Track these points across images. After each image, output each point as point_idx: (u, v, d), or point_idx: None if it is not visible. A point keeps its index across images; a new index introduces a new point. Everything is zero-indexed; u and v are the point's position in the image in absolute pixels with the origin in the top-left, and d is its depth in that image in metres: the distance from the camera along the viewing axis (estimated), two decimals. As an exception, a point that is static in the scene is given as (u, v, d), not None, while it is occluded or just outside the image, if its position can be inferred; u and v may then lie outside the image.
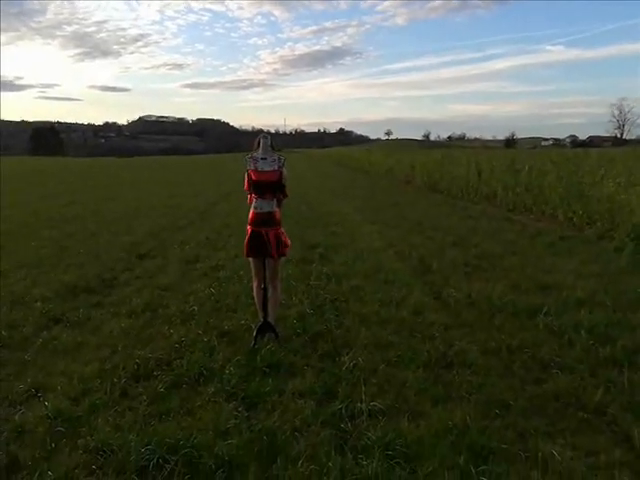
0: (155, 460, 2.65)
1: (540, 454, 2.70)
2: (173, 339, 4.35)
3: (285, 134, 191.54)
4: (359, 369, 3.77)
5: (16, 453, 2.81)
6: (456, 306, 5.22)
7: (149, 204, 14.95)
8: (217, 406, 3.25)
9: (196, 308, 5.17)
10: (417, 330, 4.54)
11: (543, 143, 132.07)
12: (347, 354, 4.01)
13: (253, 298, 4.62)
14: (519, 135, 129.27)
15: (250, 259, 4.41)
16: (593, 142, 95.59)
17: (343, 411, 3.18)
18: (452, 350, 4.08)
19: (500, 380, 3.62)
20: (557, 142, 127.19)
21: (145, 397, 3.41)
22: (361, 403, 3.23)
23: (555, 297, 5.41)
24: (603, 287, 5.71)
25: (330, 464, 2.61)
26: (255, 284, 4.48)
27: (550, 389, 3.48)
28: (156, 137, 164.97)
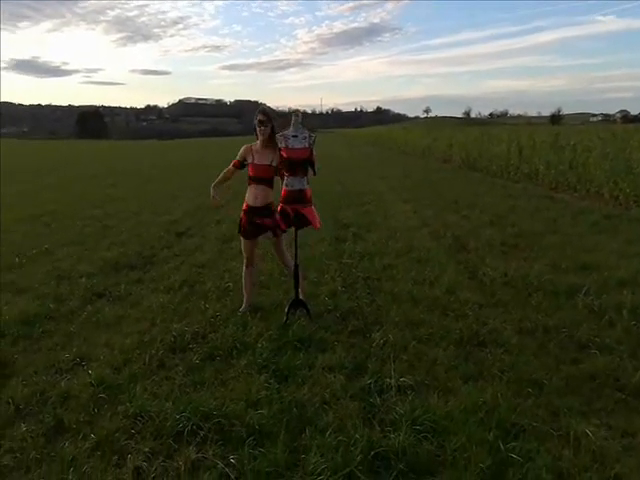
0: (190, 427, 2.76)
1: (573, 433, 2.66)
2: (209, 314, 4.48)
3: (321, 114, 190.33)
4: (389, 346, 3.77)
5: (62, 416, 2.98)
6: (491, 285, 5.12)
7: (188, 184, 15.25)
8: (249, 378, 3.34)
9: (231, 285, 5.29)
10: (450, 309, 4.50)
11: (592, 119, 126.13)
12: (378, 331, 4.02)
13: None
14: (565, 111, 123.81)
15: (242, 240, 4.55)
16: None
17: (372, 386, 3.21)
18: (485, 329, 4.03)
19: (534, 359, 3.55)
20: (607, 118, 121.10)
21: (181, 368, 3.54)
22: (390, 379, 3.24)
23: (596, 277, 5.22)
24: (648, 267, 5.47)
25: (357, 436, 2.64)
26: (246, 268, 4.60)
27: (586, 369, 3.39)
28: (196, 119, 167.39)
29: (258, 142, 4.36)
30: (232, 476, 2.40)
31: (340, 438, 2.64)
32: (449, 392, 3.15)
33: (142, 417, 2.91)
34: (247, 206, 4.43)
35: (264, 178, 4.35)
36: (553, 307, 4.49)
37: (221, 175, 4.60)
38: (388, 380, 3.24)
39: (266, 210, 4.38)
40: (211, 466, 2.49)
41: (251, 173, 4.39)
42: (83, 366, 3.62)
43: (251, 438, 2.68)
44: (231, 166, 4.51)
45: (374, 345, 3.80)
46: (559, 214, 8.97)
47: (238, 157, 4.45)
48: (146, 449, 2.64)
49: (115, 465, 2.53)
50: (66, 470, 2.49)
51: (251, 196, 4.41)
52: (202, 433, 2.73)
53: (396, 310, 4.46)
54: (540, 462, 2.44)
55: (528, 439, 2.65)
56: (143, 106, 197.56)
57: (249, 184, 4.43)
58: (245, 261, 4.61)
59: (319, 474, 2.37)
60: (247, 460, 2.49)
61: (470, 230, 7.75)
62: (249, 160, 4.38)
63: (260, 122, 4.27)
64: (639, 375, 3.24)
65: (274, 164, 4.32)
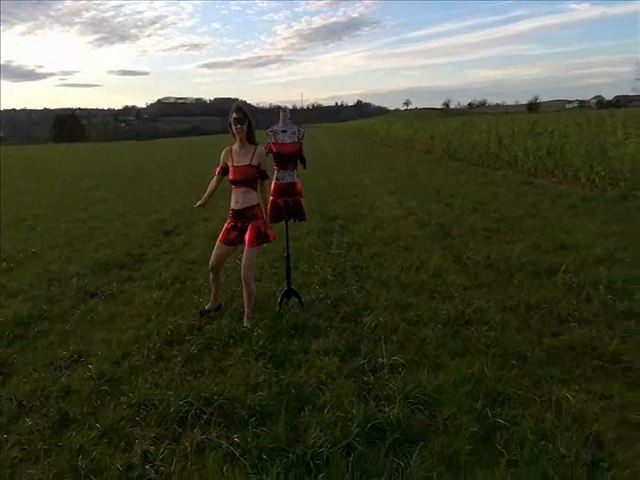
0: (193, 411, 2.88)
1: (554, 398, 2.84)
2: (202, 307, 4.57)
3: (302, 109, 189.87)
4: (380, 328, 3.93)
5: (65, 409, 3.06)
6: (475, 268, 5.31)
7: (172, 184, 15.23)
8: (247, 364, 3.46)
9: (222, 279, 5.37)
10: (436, 291, 4.66)
11: (567, 106, 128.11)
12: (368, 315, 4.17)
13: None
14: (542, 99, 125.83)
15: (216, 245, 4.31)
16: (620, 102, 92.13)
17: (365, 366, 3.35)
18: (470, 308, 4.20)
19: (517, 334, 3.73)
20: (582, 104, 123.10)
21: (180, 359, 3.64)
22: (382, 358, 3.40)
23: (574, 256, 5.44)
24: (623, 245, 5.71)
25: (354, 411, 2.78)
26: (211, 271, 4.38)
27: (566, 341, 3.58)
28: (175, 119, 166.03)
29: (236, 142, 4.17)
30: (237, 454, 2.52)
31: (338, 414, 2.78)
32: (438, 368, 3.31)
33: (145, 406, 3.01)
34: (231, 210, 4.27)
35: (244, 180, 4.14)
36: (534, 285, 4.69)
37: (207, 190, 4.42)
38: (380, 360, 3.39)
39: (249, 213, 4.17)
40: (216, 446, 2.60)
41: (231, 176, 4.18)
42: (82, 362, 3.70)
43: (253, 419, 2.80)
44: (215, 175, 4.34)
45: (365, 328, 3.95)
46: (538, 199, 9.23)
47: (220, 163, 4.28)
48: (152, 434, 2.74)
49: (123, 450, 2.63)
50: (75, 457, 2.58)
51: (232, 200, 4.22)
52: (205, 417, 2.85)
53: (385, 295, 4.61)
54: (525, 425, 2.61)
55: (513, 406, 2.82)
56: (121, 107, 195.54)
57: (232, 189, 4.24)
58: (210, 266, 4.36)
59: (319, 447, 2.51)
60: (251, 438, 2.61)
61: (454, 217, 7.95)
62: (229, 163, 4.19)
63: (236, 120, 4.05)
64: (615, 344, 3.44)
65: (255, 163, 4.13)
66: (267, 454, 2.51)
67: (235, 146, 4.20)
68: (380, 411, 2.80)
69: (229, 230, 4.27)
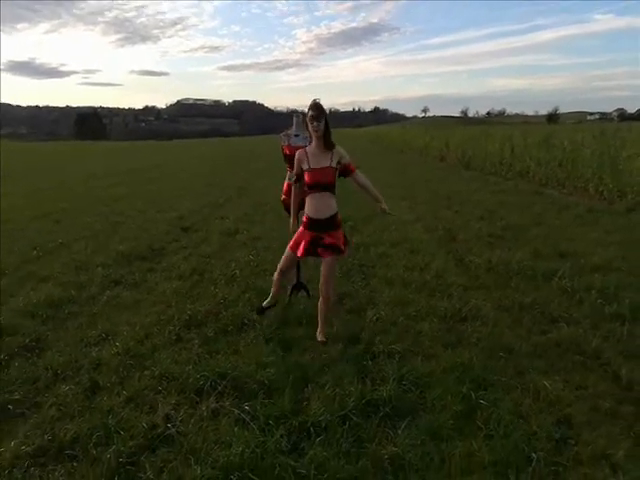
0: (209, 383, 3.24)
1: (533, 386, 3.14)
2: (219, 297, 4.94)
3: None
4: (381, 321, 4.25)
5: (96, 379, 3.45)
6: (476, 270, 5.60)
7: (190, 183, 15.71)
8: (258, 347, 3.82)
9: (238, 272, 5.76)
10: (437, 290, 4.97)
11: (589, 117, 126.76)
12: (371, 309, 4.50)
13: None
14: (563, 110, 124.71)
15: (288, 253, 4.02)
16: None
17: (365, 352, 3.68)
18: (467, 306, 4.50)
19: (508, 330, 4.03)
20: (604, 116, 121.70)
21: (197, 340, 4.01)
22: (381, 345, 3.72)
23: (572, 263, 5.70)
24: (622, 254, 5.95)
25: (352, 389, 3.12)
26: (278, 274, 4.21)
27: (553, 338, 3.87)
28: (194, 120, 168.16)
29: (312, 142, 3.82)
30: (247, 419, 2.87)
31: (337, 391, 3.12)
32: (432, 357, 3.63)
33: (166, 377, 3.39)
34: (307, 218, 3.81)
35: (326, 184, 3.75)
36: (530, 288, 4.97)
37: (292, 206, 4.10)
38: (379, 347, 3.71)
39: (331, 223, 3.80)
40: (229, 412, 2.96)
41: (308, 180, 3.75)
42: (109, 340, 4.09)
43: (262, 391, 3.16)
44: (293, 185, 3.96)
45: (367, 321, 4.28)
46: (545, 208, 9.46)
47: (295, 168, 3.89)
48: (172, 401, 3.11)
49: (147, 413, 3.00)
50: (106, 417, 2.95)
51: (312, 208, 3.78)
52: (219, 388, 3.21)
53: (388, 292, 4.93)
54: (504, 407, 2.92)
55: (496, 391, 3.13)
56: (141, 107, 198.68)
57: (308, 194, 3.82)
58: (278, 270, 4.14)
59: (319, 416, 2.85)
60: (259, 407, 2.97)
61: (461, 224, 8.23)
62: (304, 167, 3.78)
63: (313, 118, 3.64)
64: (598, 342, 3.72)
65: (334, 165, 3.77)
66: (273, 420, 2.85)
67: (311, 147, 3.82)
68: (375, 390, 3.13)
69: (309, 243, 3.84)
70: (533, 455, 2.50)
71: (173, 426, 2.84)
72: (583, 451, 2.57)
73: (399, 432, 2.73)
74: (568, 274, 5.25)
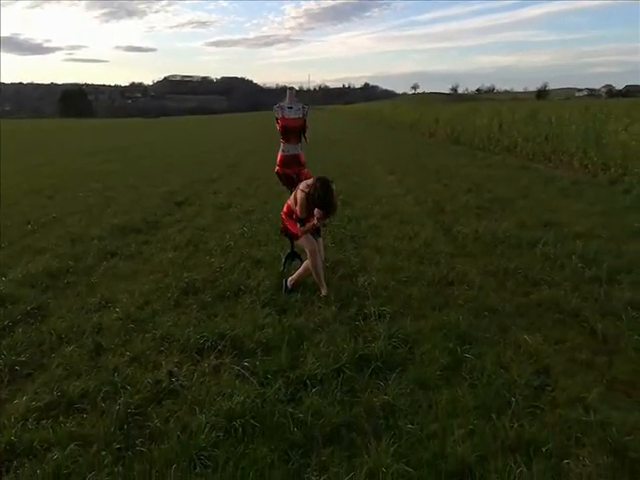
0: (209, 343, 3.41)
1: (514, 340, 3.35)
2: (214, 266, 5.08)
3: (309, 90, 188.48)
4: (372, 286, 4.42)
5: (99, 341, 3.59)
6: (463, 240, 5.79)
7: (181, 160, 15.67)
8: (254, 311, 3.98)
9: (232, 243, 5.89)
10: (425, 258, 5.15)
11: (577, 94, 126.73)
12: (363, 276, 4.67)
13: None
14: (552, 86, 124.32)
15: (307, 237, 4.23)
16: (630, 92, 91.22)
17: (357, 314, 3.86)
18: (454, 272, 4.69)
19: (493, 293, 4.23)
20: (592, 92, 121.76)
21: (195, 306, 4.15)
22: (373, 307, 3.90)
23: (556, 231, 5.91)
24: (602, 223, 6.17)
25: (345, 346, 3.30)
26: (314, 257, 4.24)
27: (535, 299, 4.08)
28: (182, 97, 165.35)
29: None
30: (246, 374, 3.05)
31: (331, 348, 3.30)
32: (420, 317, 3.82)
33: (168, 339, 3.55)
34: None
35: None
36: (515, 255, 5.18)
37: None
38: (370, 309, 3.89)
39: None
40: (229, 368, 3.13)
41: None
42: (109, 307, 4.22)
43: (260, 349, 3.33)
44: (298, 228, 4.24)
45: (359, 286, 4.45)
46: (532, 181, 9.66)
47: (300, 212, 4.17)
48: (175, 360, 3.27)
49: (151, 370, 3.16)
50: (112, 374, 3.11)
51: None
52: (219, 347, 3.38)
53: (379, 260, 5.10)
54: (487, 359, 3.12)
55: (480, 346, 3.33)
56: (128, 84, 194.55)
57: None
58: (311, 251, 4.23)
59: (315, 370, 3.03)
60: (258, 363, 3.14)
61: (449, 196, 8.40)
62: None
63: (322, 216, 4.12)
64: (577, 301, 3.94)
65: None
66: (271, 375, 3.03)
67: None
68: (367, 346, 3.32)
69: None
70: (512, 400, 2.71)
71: (177, 381, 3.01)
72: (559, 396, 2.78)
73: (390, 383, 2.93)
74: (551, 242, 5.46)
